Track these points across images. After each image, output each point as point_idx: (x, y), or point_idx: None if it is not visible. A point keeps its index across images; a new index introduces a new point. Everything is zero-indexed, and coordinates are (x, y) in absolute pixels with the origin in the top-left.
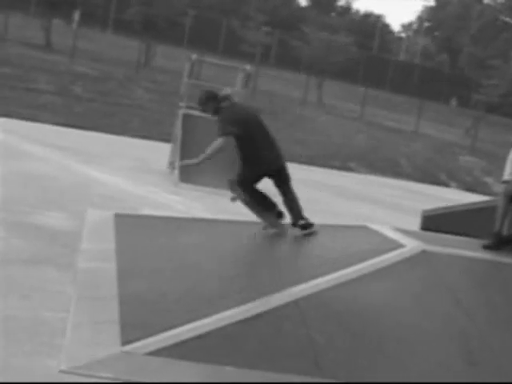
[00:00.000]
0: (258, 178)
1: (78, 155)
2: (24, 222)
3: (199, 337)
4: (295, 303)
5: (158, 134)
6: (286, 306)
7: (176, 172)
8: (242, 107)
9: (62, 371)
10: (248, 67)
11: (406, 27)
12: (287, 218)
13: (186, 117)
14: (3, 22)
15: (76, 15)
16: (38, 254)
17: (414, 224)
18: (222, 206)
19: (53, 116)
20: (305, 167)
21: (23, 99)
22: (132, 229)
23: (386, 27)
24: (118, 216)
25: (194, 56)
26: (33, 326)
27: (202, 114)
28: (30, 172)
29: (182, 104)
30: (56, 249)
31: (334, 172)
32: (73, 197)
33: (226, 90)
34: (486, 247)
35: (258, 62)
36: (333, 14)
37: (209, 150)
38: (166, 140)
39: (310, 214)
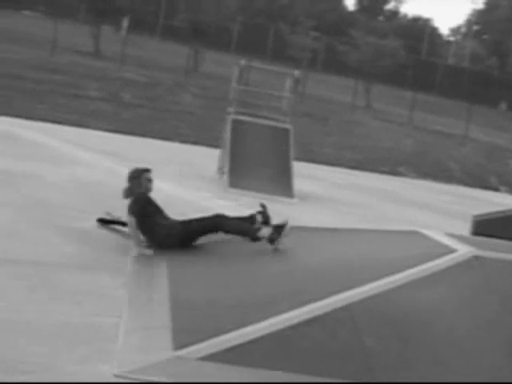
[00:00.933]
0: None
1: (127, 161)
2: (75, 228)
3: (251, 342)
4: (347, 308)
5: (207, 139)
6: (338, 310)
7: (225, 177)
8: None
9: (115, 375)
10: (297, 72)
11: (455, 31)
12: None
13: (235, 122)
14: (53, 30)
15: (125, 22)
16: (90, 260)
17: (464, 229)
18: (271, 211)
19: (102, 122)
20: (353, 172)
21: (73, 106)
22: None
23: (434, 31)
24: None
25: (243, 62)
26: (86, 331)
27: (251, 119)
28: (81, 178)
29: (230, 109)
30: (107, 254)
31: (383, 177)
32: (123, 203)
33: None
34: None
35: (305, 67)
36: (381, 18)
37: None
38: (215, 145)
39: (359, 218)
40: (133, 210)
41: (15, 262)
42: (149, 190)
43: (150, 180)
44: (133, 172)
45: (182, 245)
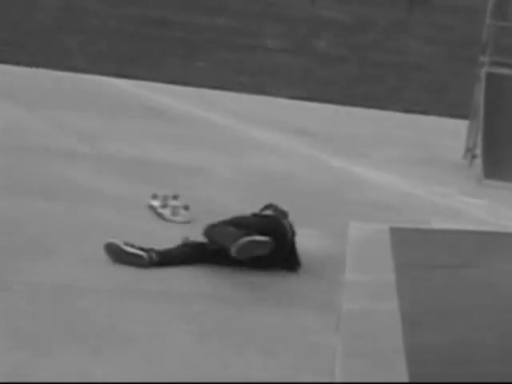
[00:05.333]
0: None
1: (326, 142)
2: None
3: None
4: None
5: (445, 106)
6: None
7: (478, 163)
8: None
9: None
10: None
11: None
12: None
13: (491, 78)
14: None
15: None
16: (283, 290)
17: None
18: None
19: (286, 85)
20: None
21: (245, 61)
22: (418, 249)
23: None
24: (394, 231)
25: None
26: None
27: None
28: (261, 169)
29: (483, 59)
30: (309, 281)
31: None
32: (326, 204)
33: None
34: None
35: None
36: None
37: None
38: (459, 115)
39: None
40: None
41: (181, 295)
42: None
43: None
44: None
45: None
